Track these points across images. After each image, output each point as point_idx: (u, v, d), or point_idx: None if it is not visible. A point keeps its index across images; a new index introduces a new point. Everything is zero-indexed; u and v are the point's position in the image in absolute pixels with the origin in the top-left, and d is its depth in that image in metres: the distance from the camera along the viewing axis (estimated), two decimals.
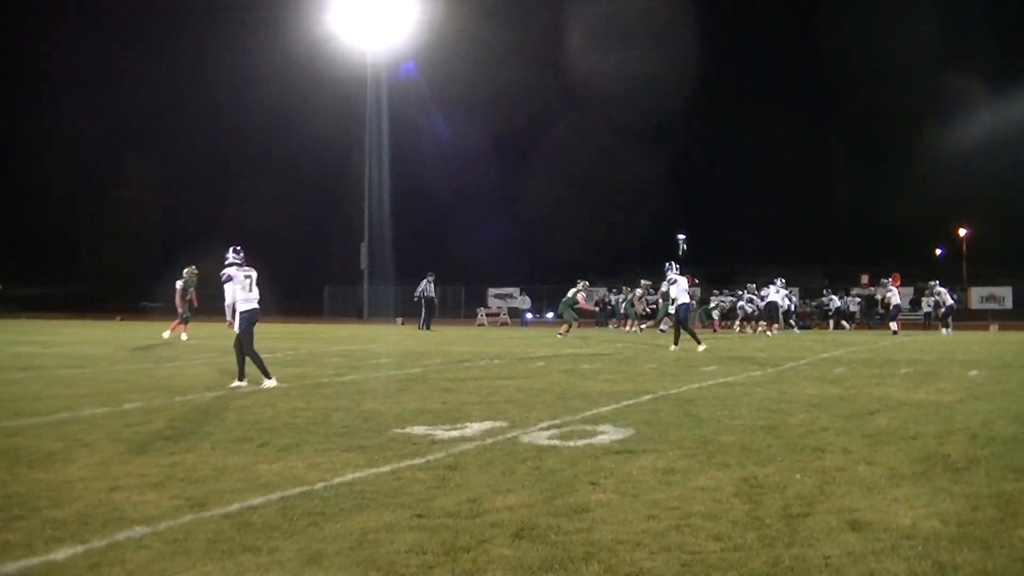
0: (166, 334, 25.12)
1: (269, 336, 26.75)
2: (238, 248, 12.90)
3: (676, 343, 20.76)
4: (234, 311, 12.68)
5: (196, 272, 25.41)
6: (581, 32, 78.64)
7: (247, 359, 12.55)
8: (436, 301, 37.74)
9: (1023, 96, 70.61)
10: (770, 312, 33.02)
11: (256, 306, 12.84)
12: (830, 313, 39.76)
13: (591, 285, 35.00)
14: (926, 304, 41.45)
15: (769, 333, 31.61)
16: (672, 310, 21.76)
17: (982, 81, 76.96)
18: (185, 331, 24.90)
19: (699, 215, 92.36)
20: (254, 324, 12.80)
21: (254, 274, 12.88)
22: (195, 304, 25.56)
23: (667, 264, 22.06)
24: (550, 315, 54.11)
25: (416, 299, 36.95)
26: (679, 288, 21.18)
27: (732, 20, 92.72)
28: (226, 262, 12.75)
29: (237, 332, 12.64)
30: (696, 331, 22.44)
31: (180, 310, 25.05)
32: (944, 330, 32.60)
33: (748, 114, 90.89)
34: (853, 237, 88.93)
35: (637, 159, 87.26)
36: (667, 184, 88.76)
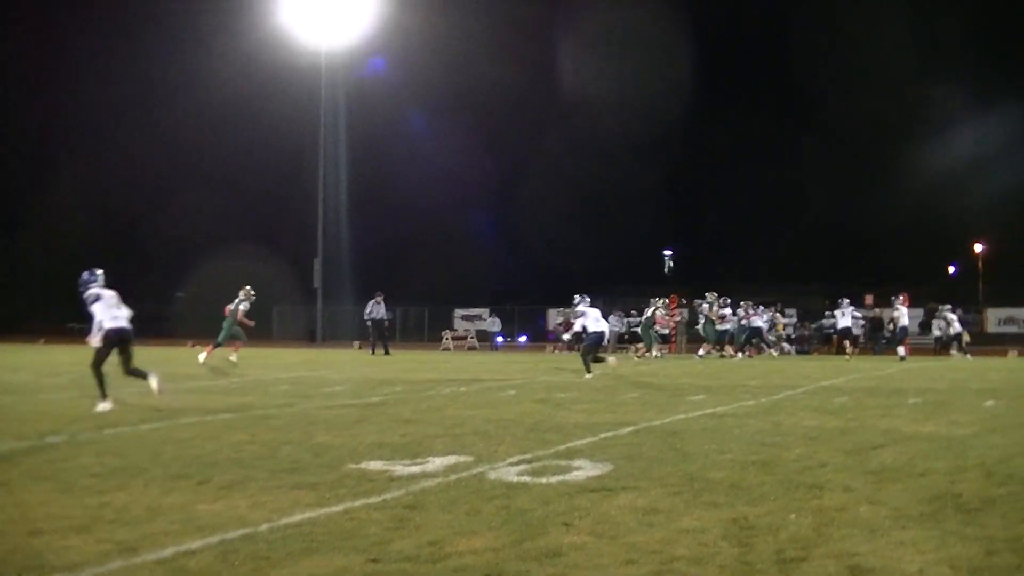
0: (233, 357, 25.57)
1: (211, 361, 26.58)
2: (96, 271, 13.86)
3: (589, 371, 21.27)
4: (101, 329, 13.46)
5: (253, 293, 26.48)
6: (569, 42, 79.08)
7: (132, 374, 13.59)
8: (387, 323, 37.58)
9: None
10: (753, 336, 33.59)
11: (126, 325, 13.70)
12: (833, 334, 39.89)
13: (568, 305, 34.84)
14: (936, 327, 41.69)
15: (740, 355, 32.70)
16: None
17: (999, 89, 77.77)
18: (236, 351, 25.81)
19: (689, 232, 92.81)
20: (121, 344, 13.59)
21: (115, 295, 13.84)
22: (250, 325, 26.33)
23: (577, 296, 23.34)
24: (523, 339, 54.18)
25: (367, 322, 37.02)
26: (590, 319, 22.04)
27: (722, 33, 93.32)
28: (88, 285, 13.69)
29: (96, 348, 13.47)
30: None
31: (243, 331, 26.03)
32: (956, 354, 32.78)
33: (744, 128, 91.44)
34: (857, 255, 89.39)
35: (623, 173, 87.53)
36: (654, 200, 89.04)
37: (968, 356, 32.80)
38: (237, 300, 26.10)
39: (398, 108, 76.68)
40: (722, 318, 33.87)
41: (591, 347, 22.22)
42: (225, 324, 25.89)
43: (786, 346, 39.47)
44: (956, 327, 34.57)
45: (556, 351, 38.27)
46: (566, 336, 30.04)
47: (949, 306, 36.86)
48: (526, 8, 80.00)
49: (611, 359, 22.61)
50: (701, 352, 33.33)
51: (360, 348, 41.05)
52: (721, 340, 33.84)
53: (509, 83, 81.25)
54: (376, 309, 36.44)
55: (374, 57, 60.67)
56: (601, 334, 22.99)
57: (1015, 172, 77.68)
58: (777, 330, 38.85)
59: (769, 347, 36.51)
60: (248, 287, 26.62)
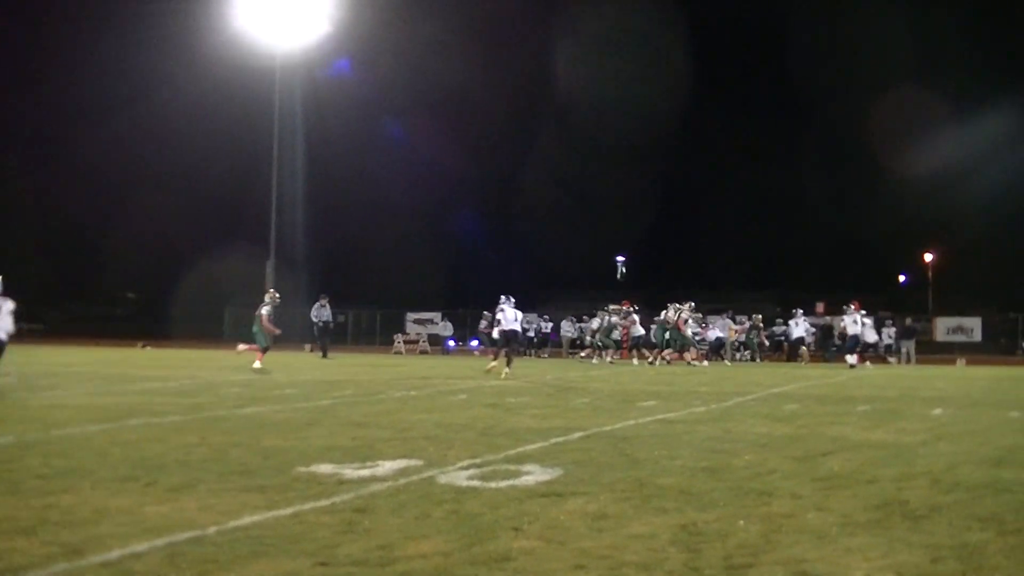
0: (257, 364, 25.00)
1: (161, 363, 26.45)
2: None
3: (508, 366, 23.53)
4: None
5: (278, 297, 26.80)
6: (520, 48, 79.26)
7: None
8: (332, 325, 37.51)
9: (993, 118, 72.24)
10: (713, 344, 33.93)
11: (3, 336, 14.67)
12: (784, 342, 40.20)
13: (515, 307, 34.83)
14: (887, 335, 42.08)
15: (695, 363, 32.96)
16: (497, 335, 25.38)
17: (951, 102, 78.63)
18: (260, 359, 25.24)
19: (641, 237, 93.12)
20: None
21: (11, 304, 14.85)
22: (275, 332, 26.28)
23: (503, 296, 25.12)
24: (474, 343, 54.09)
25: (316, 324, 37.01)
26: (504, 317, 24.34)
27: (697, 48, 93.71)
28: None
29: None
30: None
31: (270, 337, 25.80)
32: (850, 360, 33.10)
33: (698, 136, 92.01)
34: (809, 263, 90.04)
35: (580, 180, 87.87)
36: (609, 206, 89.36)
37: (868, 364, 33.07)
38: (262, 304, 26.26)
39: (358, 110, 76.51)
40: (686, 321, 34.06)
41: (501, 345, 24.55)
42: (255, 328, 25.97)
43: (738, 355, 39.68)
44: (852, 329, 34.42)
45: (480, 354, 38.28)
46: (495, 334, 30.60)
47: (852, 306, 36.32)
48: (489, 10, 79.95)
49: (505, 369, 23.52)
50: (650, 360, 33.45)
51: (311, 351, 40.90)
52: (674, 347, 34.00)
53: (470, 87, 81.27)
54: (321, 312, 36.35)
55: (340, 59, 60.50)
56: (509, 332, 24.66)
57: (966, 183, 78.57)
58: (729, 337, 39.07)
59: (723, 357, 36.81)
60: (272, 290, 27.23)
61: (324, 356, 34.93)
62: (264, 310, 25.82)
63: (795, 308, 36.17)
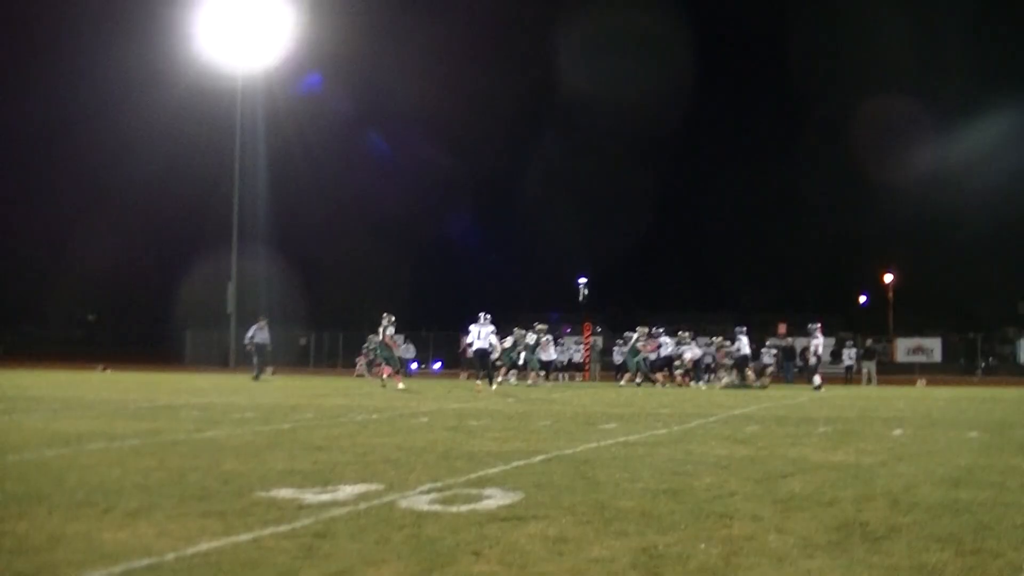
0: (400, 385, 27.29)
1: (121, 386, 26.24)
2: None
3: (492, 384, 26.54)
4: None
5: (393, 317, 29.15)
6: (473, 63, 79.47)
7: None
8: (269, 348, 37.45)
9: (955, 138, 73.11)
10: (665, 364, 34.04)
11: None
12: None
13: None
14: (847, 356, 42.41)
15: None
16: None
17: (911, 125, 79.43)
18: (399, 379, 28.66)
19: (603, 259, 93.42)
20: None
21: None
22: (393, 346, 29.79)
23: (482, 314, 27.78)
24: (437, 365, 54.04)
25: (247, 347, 37.18)
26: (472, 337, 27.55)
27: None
28: None
29: None
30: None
31: (396, 356, 29.13)
32: (724, 379, 33.43)
33: (656, 158, 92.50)
34: (770, 283, 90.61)
35: (542, 201, 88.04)
36: (570, 229, 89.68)
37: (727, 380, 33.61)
38: (382, 327, 28.99)
39: (325, 128, 76.51)
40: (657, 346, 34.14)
41: (478, 365, 27.12)
42: (381, 351, 29.30)
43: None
44: (744, 349, 34.57)
45: (468, 378, 38.21)
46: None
47: (743, 328, 36.22)
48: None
49: (490, 388, 26.17)
50: (623, 382, 33.52)
51: (273, 374, 40.77)
52: (643, 369, 34.06)
53: (429, 104, 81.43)
54: (259, 334, 36.26)
55: (310, 74, 60.52)
56: (479, 351, 27.32)
57: (925, 205, 79.34)
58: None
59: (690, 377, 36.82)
60: (386, 313, 29.12)
61: (256, 378, 34.90)
62: (388, 331, 28.69)
63: (740, 326, 36.05)
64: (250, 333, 36.60)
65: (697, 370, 36.36)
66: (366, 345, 44.98)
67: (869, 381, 39.58)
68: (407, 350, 50.82)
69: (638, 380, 33.47)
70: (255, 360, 35.91)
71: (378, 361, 35.06)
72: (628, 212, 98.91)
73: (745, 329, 35.86)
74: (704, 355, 38.51)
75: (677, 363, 35.84)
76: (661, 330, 35.32)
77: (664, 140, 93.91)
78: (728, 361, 35.83)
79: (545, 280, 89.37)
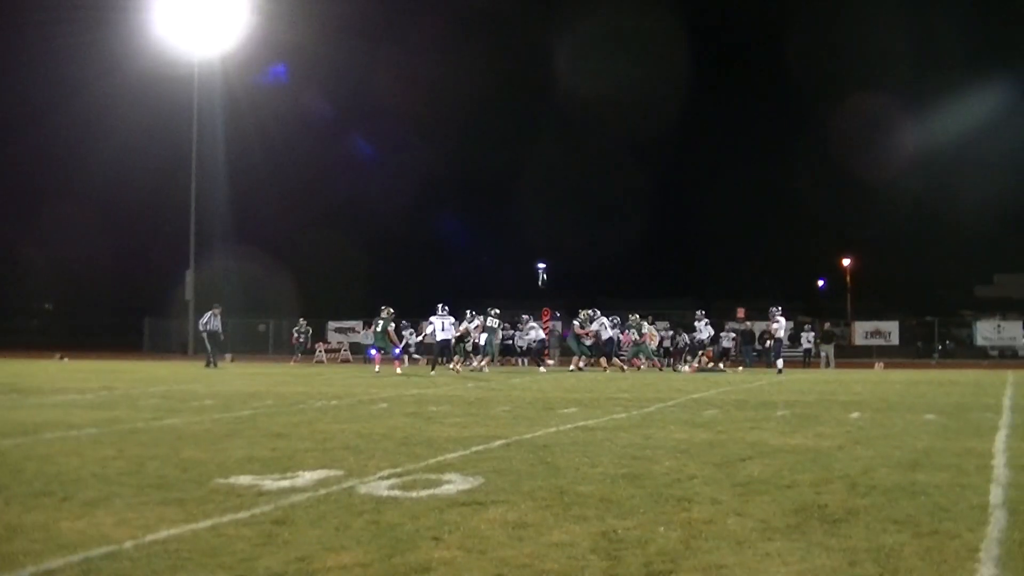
0: (399, 369, 30.14)
1: (79, 375, 26.07)
2: None
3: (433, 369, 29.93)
4: None
5: (392, 311, 31.28)
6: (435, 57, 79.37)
7: None
8: (222, 336, 37.45)
9: (916, 126, 73.73)
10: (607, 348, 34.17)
11: None
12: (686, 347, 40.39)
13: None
14: (805, 340, 42.66)
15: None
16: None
17: (876, 112, 79.97)
18: (399, 365, 31.00)
19: (560, 244, 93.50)
20: None
21: None
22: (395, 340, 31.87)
23: (439, 305, 31.50)
24: (397, 351, 53.89)
25: (203, 333, 37.01)
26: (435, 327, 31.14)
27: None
28: None
29: None
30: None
31: (398, 347, 31.60)
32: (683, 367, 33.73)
33: (619, 138, 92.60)
34: (729, 268, 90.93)
35: (501, 186, 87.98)
36: (527, 212, 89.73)
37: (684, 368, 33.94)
38: (383, 320, 30.84)
39: (287, 115, 76.10)
40: (588, 333, 34.06)
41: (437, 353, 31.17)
42: (379, 340, 31.34)
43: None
44: (704, 334, 34.83)
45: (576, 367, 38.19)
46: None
47: (702, 312, 36.38)
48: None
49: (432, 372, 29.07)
50: (571, 367, 33.51)
51: (232, 361, 40.62)
52: (587, 354, 34.05)
53: (392, 94, 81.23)
54: (213, 321, 36.27)
55: (275, 64, 60.19)
56: (442, 342, 31.07)
57: (883, 190, 79.88)
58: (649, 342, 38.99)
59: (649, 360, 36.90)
60: (384, 307, 31.30)
61: (208, 365, 34.98)
62: (391, 326, 30.86)
63: (699, 311, 36.31)
64: (204, 320, 36.55)
65: (610, 347, 36.24)
66: (296, 328, 45.71)
67: (827, 365, 39.83)
68: (366, 336, 50.73)
69: (581, 365, 33.44)
70: (208, 348, 35.85)
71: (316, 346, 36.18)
72: (590, 198, 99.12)
73: (704, 313, 36.11)
74: (662, 338, 38.85)
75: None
76: (597, 312, 34.84)
77: (641, 128, 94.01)
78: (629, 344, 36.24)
79: (503, 266, 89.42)
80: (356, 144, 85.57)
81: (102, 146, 71.77)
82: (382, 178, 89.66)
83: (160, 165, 66.19)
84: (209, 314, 36.48)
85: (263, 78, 60.79)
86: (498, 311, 35.42)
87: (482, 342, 33.81)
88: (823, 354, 40.98)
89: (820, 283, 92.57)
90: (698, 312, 36.19)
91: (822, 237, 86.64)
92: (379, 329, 31.35)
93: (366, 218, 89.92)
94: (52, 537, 6.00)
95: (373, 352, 33.62)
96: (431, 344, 33.89)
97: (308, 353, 42.87)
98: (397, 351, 31.59)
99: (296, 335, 47.45)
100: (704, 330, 34.85)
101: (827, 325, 46.81)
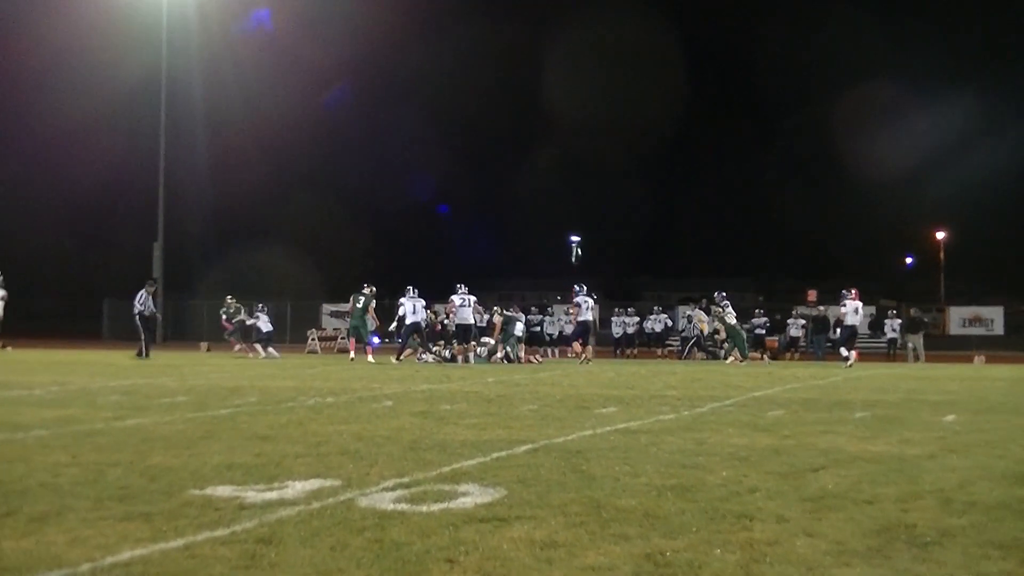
0: (371, 358, 31.76)
1: (25, 367, 26.17)
2: None
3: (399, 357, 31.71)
4: None
5: (374, 288, 33.35)
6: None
7: None
8: (159, 319, 37.11)
9: (1002, 92, 73.61)
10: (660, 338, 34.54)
11: None
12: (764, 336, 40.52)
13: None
14: (890, 328, 42.34)
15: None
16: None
17: (950, 81, 79.72)
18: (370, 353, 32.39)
19: (594, 219, 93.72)
20: None
21: None
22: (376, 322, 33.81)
23: (409, 288, 32.65)
24: (374, 338, 54.03)
25: (135, 316, 35.57)
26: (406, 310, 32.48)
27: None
28: None
29: None
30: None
31: (376, 333, 34.13)
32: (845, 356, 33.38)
33: (683, 122, 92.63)
34: (799, 246, 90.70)
35: (530, 160, 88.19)
36: (561, 182, 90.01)
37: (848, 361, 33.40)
38: (365, 298, 32.66)
39: (271, 76, 76.36)
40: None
41: (405, 335, 32.56)
42: (362, 326, 32.87)
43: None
44: (851, 319, 34.70)
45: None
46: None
47: (850, 291, 36.16)
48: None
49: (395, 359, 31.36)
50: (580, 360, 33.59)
51: (208, 350, 40.70)
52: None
53: (396, 63, 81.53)
54: (147, 302, 35.17)
55: (258, 9, 60.34)
56: (412, 325, 32.52)
57: (981, 157, 79.39)
58: (701, 329, 38.99)
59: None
60: (367, 283, 33.24)
61: (140, 355, 34.09)
62: (372, 304, 32.64)
63: (762, 298, 36.96)
64: (138, 299, 35.16)
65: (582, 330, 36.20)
66: (224, 309, 43.78)
67: (916, 358, 39.66)
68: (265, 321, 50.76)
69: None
70: (141, 334, 34.77)
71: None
72: (635, 171, 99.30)
73: (702, 305, 36.52)
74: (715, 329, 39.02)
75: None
76: (583, 288, 34.36)
77: (699, 104, 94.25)
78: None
79: (535, 242, 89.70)
80: (339, 94, 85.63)
81: (52, 99, 72.04)
82: (382, 152, 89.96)
83: (123, 124, 66.36)
84: (143, 292, 35.09)
85: (244, 25, 60.85)
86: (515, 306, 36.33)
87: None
88: (910, 345, 40.74)
89: (908, 260, 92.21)
90: (691, 302, 36.83)
91: (910, 208, 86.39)
92: (360, 306, 32.78)
93: (362, 194, 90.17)
94: None
95: (375, 340, 33.83)
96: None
97: (246, 339, 40.70)
98: (374, 338, 32.21)
99: (224, 317, 42.69)
100: (696, 324, 35.60)
101: (913, 311, 46.63)
